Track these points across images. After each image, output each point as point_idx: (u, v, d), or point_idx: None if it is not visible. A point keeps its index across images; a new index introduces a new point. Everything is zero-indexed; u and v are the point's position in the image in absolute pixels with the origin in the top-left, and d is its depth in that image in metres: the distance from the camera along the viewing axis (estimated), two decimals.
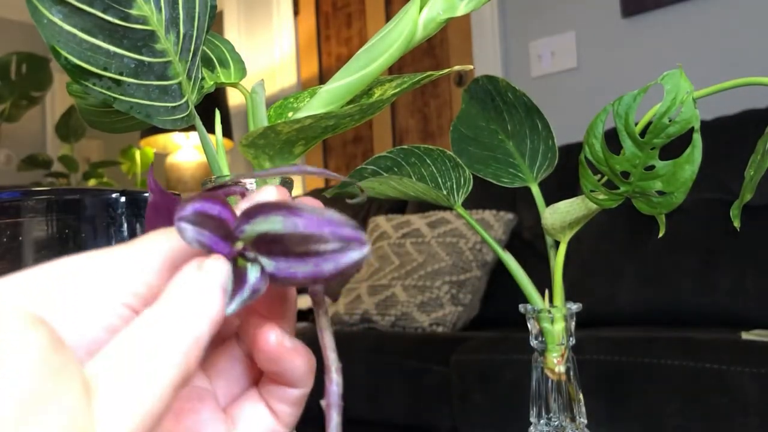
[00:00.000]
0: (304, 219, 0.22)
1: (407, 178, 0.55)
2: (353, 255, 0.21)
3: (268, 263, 0.22)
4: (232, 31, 3.26)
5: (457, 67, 0.38)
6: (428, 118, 2.67)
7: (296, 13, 3.12)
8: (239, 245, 0.23)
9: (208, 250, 0.22)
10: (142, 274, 0.23)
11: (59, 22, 0.33)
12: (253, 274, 0.22)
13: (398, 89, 0.39)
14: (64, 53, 0.34)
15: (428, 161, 0.56)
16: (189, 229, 0.22)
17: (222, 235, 0.23)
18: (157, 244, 0.24)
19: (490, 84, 0.56)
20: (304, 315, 2.05)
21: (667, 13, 2.03)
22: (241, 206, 0.24)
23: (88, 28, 0.34)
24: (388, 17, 2.82)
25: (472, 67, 0.38)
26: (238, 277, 0.22)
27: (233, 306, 0.22)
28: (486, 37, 2.41)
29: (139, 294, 0.23)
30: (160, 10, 0.36)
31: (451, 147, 0.58)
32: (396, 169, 0.56)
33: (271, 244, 0.22)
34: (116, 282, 0.23)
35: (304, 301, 2.10)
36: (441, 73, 0.38)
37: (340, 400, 0.25)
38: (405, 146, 0.57)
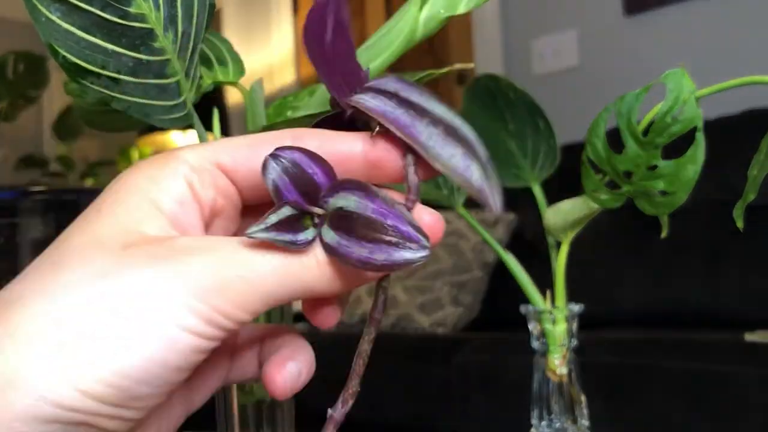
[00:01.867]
0: (375, 204, 0.22)
1: None
2: (406, 254, 0.22)
3: (330, 235, 0.22)
4: (230, 30, 3.26)
5: (457, 66, 0.38)
6: None
7: (295, 11, 3.11)
8: (318, 211, 0.23)
9: (278, 199, 0.23)
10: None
11: (57, 21, 0.33)
12: (308, 233, 0.23)
13: None
14: (62, 51, 0.33)
15: None
16: (275, 172, 0.23)
17: (305, 196, 0.23)
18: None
19: (492, 83, 0.56)
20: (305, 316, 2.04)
21: (670, 11, 2.02)
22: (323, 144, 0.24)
23: (87, 26, 0.33)
24: (388, 15, 2.81)
25: (473, 65, 0.38)
26: (293, 229, 0.22)
27: (261, 233, 0.22)
28: (487, 35, 2.41)
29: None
30: (158, 7, 0.35)
31: None
32: None
33: (341, 219, 0.22)
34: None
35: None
36: (441, 71, 0.37)
37: (342, 418, 0.25)
38: None
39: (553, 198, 0.52)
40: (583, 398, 0.50)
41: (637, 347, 1.23)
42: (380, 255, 0.22)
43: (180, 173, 0.23)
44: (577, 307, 0.50)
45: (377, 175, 0.24)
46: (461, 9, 0.35)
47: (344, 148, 0.24)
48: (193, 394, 0.27)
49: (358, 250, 0.22)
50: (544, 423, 0.50)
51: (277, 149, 0.23)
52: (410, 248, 0.22)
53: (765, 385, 1.05)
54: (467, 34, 2.52)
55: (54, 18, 0.33)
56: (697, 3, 1.98)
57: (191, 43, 0.37)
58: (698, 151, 0.42)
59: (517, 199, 1.90)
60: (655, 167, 0.43)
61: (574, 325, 0.50)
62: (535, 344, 0.51)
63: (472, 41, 2.49)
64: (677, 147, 0.44)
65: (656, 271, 1.64)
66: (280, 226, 0.22)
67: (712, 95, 0.44)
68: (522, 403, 0.54)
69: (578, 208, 0.49)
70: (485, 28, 2.41)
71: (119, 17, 0.34)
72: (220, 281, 0.21)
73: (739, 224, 0.44)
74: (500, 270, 1.86)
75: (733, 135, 1.54)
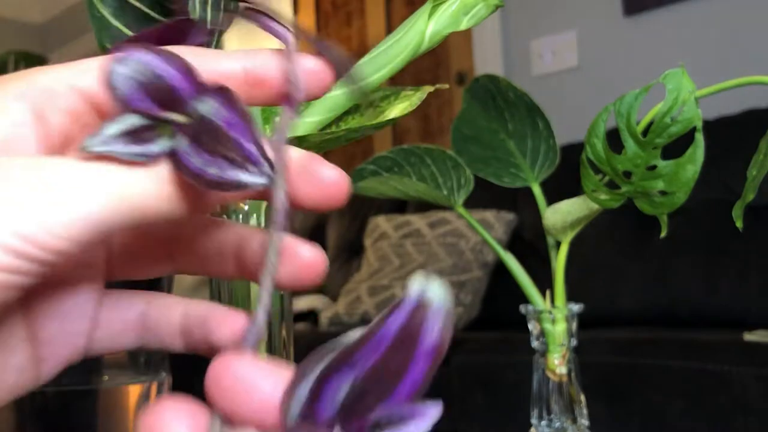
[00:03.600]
0: (229, 113, 0.19)
1: (407, 178, 0.55)
2: (241, 175, 0.19)
3: (183, 145, 0.19)
4: (231, 30, 3.26)
5: (437, 85, 0.39)
6: (429, 117, 2.67)
7: (296, 11, 3.12)
8: (178, 118, 0.19)
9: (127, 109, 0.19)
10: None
11: (108, 17, 0.33)
12: (162, 143, 0.19)
13: (403, 113, 0.39)
14: (109, 47, 0.33)
15: (428, 161, 0.56)
16: (120, 78, 0.19)
17: (160, 103, 0.19)
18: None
19: (491, 83, 0.56)
20: (304, 316, 2.04)
21: (669, 11, 2.02)
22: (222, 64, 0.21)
23: (130, 23, 0.34)
24: (389, 16, 2.81)
25: (447, 86, 0.39)
26: (143, 140, 0.19)
27: (99, 145, 0.18)
28: (487, 35, 2.41)
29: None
30: (195, 8, 0.36)
31: (452, 146, 0.58)
32: (396, 169, 0.56)
33: (202, 132, 0.19)
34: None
35: (304, 303, 2.10)
36: (419, 93, 0.38)
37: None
38: (405, 146, 0.56)
39: (552, 198, 0.52)
40: (582, 398, 0.50)
41: (637, 347, 1.23)
42: (213, 169, 0.19)
43: (26, 95, 0.20)
44: (576, 307, 0.50)
45: (258, 95, 0.22)
46: (463, 26, 0.36)
47: (223, 67, 0.22)
48: (40, 358, 0.23)
49: (195, 161, 0.19)
50: (543, 422, 0.50)
51: (124, 52, 0.19)
52: (248, 170, 0.19)
53: (764, 384, 1.05)
54: (467, 34, 2.52)
55: (106, 14, 0.33)
56: (697, 3, 1.98)
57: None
58: (697, 152, 0.42)
59: (516, 199, 1.91)
60: (654, 167, 0.43)
61: (574, 325, 0.51)
62: (535, 344, 0.51)
63: (471, 42, 2.49)
64: (677, 147, 0.45)
65: (656, 271, 1.64)
66: (126, 137, 0.19)
67: (712, 95, 0.44)
68: (522, 402, 0.54)
69: (578, 208, 0.49)
70: (485, 28, 2.41)
71: (164, 16, 0.34)
72: (32, 205, 0.17)
73: (739, 224, 0.44)
74: (500, 270, 1.86)
75: (733, 135, 1.54)
